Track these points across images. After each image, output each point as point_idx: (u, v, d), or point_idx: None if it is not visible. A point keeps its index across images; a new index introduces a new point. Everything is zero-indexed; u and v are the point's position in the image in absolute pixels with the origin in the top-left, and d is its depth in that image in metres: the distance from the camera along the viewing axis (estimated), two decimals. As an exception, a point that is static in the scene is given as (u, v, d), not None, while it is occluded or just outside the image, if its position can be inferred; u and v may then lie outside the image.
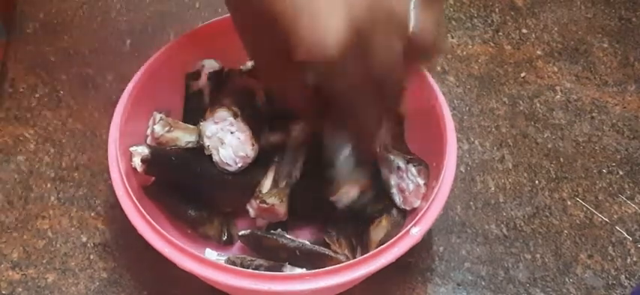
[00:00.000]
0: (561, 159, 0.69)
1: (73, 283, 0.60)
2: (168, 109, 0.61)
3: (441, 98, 0.57)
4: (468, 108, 0.73)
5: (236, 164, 0.56)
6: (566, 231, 0.64)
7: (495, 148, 0.70)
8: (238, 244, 0.59)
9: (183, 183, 0.58)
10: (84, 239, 0.62)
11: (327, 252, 0.54)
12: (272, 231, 0.56)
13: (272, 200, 0.55)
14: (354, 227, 0.58)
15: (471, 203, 0.66)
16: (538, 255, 0.62)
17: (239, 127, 0.55)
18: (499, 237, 0.63)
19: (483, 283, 0.61)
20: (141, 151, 0.54)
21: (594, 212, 0.66)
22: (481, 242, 0.63)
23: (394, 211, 0.58)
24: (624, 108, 0.74)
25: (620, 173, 0.69)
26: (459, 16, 0.82)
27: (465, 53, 0.78)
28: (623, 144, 0.71)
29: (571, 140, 0.71)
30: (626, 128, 0.72)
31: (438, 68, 0.77)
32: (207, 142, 0.56)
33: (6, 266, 0.60)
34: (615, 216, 0.65)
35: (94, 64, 0.75)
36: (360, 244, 0.58)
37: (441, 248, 0.63)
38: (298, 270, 0.54)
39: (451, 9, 0.83)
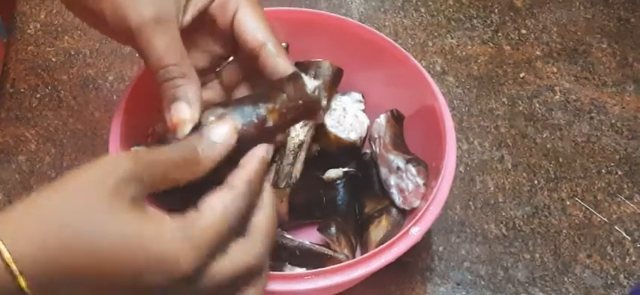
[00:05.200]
0: (560, 159, 0.70)
1: (74, 283, 0.60)
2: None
3: (441, 98, 0.58)
4: (467, 108, 0.74)
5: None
6: (565, 231, 0.64)
7: (494, 148, 0.70)
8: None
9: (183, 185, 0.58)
10: (85, 239, 0.62)
11: (326, 252, 0.54)
12: (272, 231, 0.56)
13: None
14: (354, 227, 0.59)
15: (471, 203, 0.66)
16: (537, 255, 0.63)
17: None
18: (498, 237, 0.64)
19: (483, 282, 0.61)
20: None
21: (593, 212, 0.66)
22: (480, 242, 0.63)
23: (394, 211, 0.58)
24: (623, 108, 0.74)
25: (619, 173, 0.69)
26: (458, 16, 0.83)
27: (464, 53, 0.79)
28: (621, 144, 0.71)
29: (570, 140, 0.71)
30: (624, 128, 0.72)
31: (438, 68, 0.77)
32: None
33: (7, 266, 0.60)
34: (614, 216, 0.65)
35: (94, 65, 0.75)
36: (360, 243, 0.58)
37: (441, 248, 0.63)
38: (298, 270, 0.54)
39: (450, 10, 0.83)
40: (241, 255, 0.37)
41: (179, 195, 0.58)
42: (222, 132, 0.41)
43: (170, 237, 0.34)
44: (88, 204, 0.33)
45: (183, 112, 0.43)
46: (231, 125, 0.41)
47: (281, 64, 0.46)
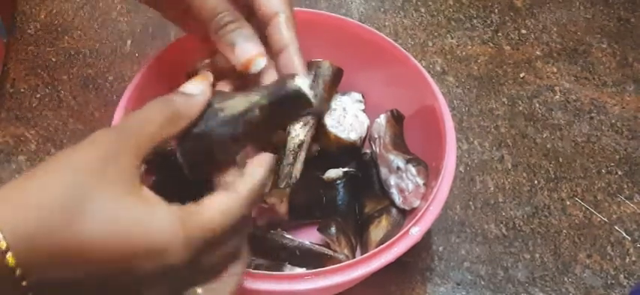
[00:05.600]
0: (560, 159, 0.70)
1: (74, 283, 0.60)
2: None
3: (441, 98, 0.58)
4: (467, 108, 0.74)
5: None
6: (565, 231, 0.64)
7: (495, 148, 0.70)
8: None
9: (183, 183, 0.58)
10: (85, 239, 0.62)
11: (326, 252, 0.54)
12: (272, 231, 0.56)
13: (272, 200, 0.56)
14: (354, 227, 0.59)
15: (471, 203, 0.66)
16: (537, 255, 0.63)
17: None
18: (498, 237, 0.64)
19: (483, 282, 0.61)
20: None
21: (593, 212, 0.66)
22: (480, 242, 0.63)
23: (394, 211, 0.58)
24: (623, 108, 0.74)
25: (619, 173, 0.69)
26: (458, 16, 0.83)
27: (464, 53, 0.79)
28: (621, 144, 0.71)
29: (570, 140, 0.71)
30: (624, 128, 0.72)
31: (438, 68, 0.77)
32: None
33: (7, 266, 0.60)
34: (614, 216, 0.65)
35: (94, 65, 0.75)
36: (360, 243, 0.59)
37: (441, 248, 0.63)
38: (298, 270, 0.54)
39: (451, 10, 0.83)
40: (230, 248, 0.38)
41: (178, 192, 0.58)
42: (197, 85, 0.41)
43: (162, 225, 0.33)
44: (77, 180, 0.32)
45: (250, 49, 0.44)
46: (205, 79, 0.41)
47: (286, 38, 0.45)
